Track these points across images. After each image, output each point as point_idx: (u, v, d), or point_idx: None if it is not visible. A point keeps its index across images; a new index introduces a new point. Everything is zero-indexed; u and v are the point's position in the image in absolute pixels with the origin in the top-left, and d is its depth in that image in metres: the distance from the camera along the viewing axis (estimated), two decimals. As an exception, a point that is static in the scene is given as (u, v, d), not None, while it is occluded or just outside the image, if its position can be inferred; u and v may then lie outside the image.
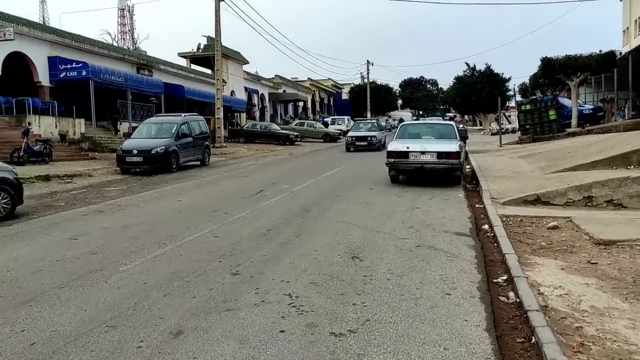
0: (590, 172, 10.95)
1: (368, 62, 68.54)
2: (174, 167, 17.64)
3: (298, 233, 7.68)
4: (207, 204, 10.47)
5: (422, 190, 11.98)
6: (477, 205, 10.12)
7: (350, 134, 27.72)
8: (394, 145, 12.85)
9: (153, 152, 17.12)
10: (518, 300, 4.92)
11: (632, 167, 11.16)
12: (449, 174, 12.63)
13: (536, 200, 9.70)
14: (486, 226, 8.26)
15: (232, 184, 14.21)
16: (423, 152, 12.35)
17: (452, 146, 12.46)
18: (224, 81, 41.14)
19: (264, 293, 5.07)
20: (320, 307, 4.67)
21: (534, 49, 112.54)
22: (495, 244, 7.13)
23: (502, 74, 52.46)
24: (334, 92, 76.32)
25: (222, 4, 29.21)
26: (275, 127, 36.84)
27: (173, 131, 18.29)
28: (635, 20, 35.98)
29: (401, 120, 42.63)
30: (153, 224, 8.60)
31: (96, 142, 23.35)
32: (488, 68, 51.94)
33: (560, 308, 4.65)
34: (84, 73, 23.54)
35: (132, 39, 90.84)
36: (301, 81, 64.03)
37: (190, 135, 19.15)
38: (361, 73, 73.23)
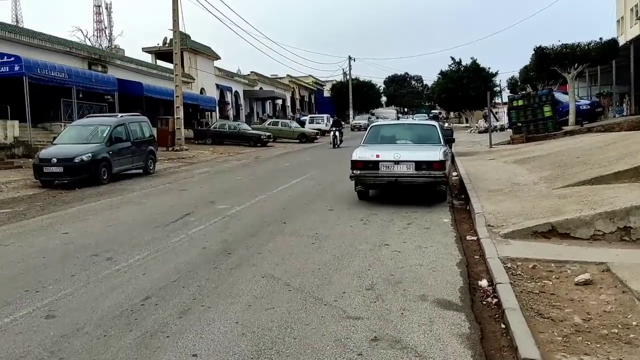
0: (618, 189, 8.22)
1: (350, 57, 65.79)
2: (104, 177, 14.63)
3: (188, 306, 4.81)
4: (95, 240, 7.53)
5: (397, 211, 9.19)
6: (469, 238, 7.36)
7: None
8: (360, 153, 9.99)
9: (76, 160, 14.09)
10: None
11: (671, 180, 8.48)
12: (432, 188, 9.87)
13: (551, 232, 6.95)
14: (484, 282, 5.48)
15: (157, 202, 11.22)
16: (397, 162, 9.53)
17: (434, 153, 9.66)
18: (191, 78, 38.03)
19: None
20: None
21: (524, 41, 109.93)
22: (502, 325, 4.36)
23: (489, 68, 50.24)
24: (315, 89, 73.08)
25: (180, -10, 26.19)
26: (245, 126, 33.81)
27: (105, 135, 15.26)
28: (632, 9, 33.58)
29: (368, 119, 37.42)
30: (-16, 283, 5.68)
31: (32, 147, 20.10)
32: (474, 62, 49.56)
33: None
34: (16, 68, 20.32)
35: (109, 36, 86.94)
36: (280, 78, 60.84)
37: (128, 140, 16.13)
38: (343, 69, 70.42)
